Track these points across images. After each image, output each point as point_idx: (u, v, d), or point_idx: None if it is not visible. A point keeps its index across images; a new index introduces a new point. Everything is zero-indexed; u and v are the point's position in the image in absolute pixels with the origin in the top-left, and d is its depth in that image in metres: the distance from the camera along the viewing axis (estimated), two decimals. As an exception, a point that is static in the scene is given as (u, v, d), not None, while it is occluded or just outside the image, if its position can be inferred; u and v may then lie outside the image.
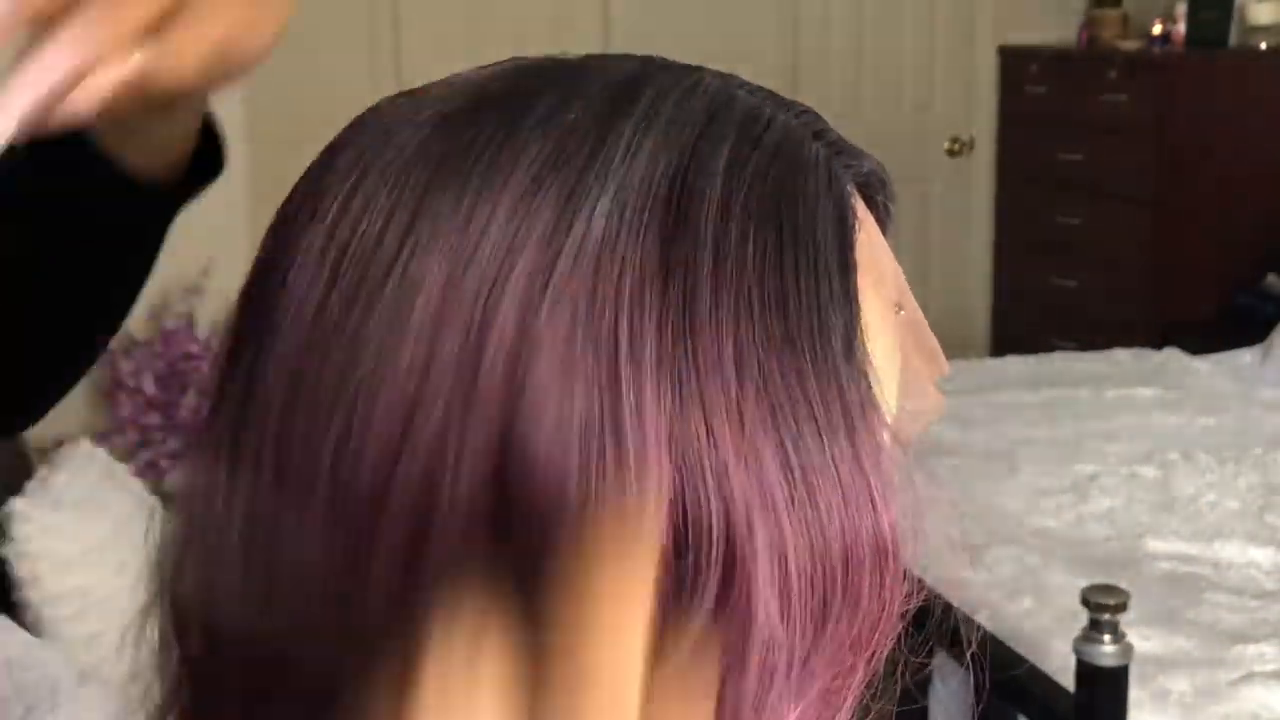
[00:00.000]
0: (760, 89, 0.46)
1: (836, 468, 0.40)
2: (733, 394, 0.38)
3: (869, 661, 0.42)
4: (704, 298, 0.38)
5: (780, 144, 0.43)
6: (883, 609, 0.41)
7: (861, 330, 0.41)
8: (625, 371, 0.38)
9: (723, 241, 0.39)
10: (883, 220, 0.47)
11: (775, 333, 0.39)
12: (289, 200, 0.43)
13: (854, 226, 0.43)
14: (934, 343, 0.49)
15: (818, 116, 0.46)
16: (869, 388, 0.41)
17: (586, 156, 0.40)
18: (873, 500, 0.40)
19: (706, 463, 0.38)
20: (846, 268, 0.41)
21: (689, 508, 0.38)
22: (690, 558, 0.38)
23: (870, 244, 0.44)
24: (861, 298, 0.42)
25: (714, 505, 0.38)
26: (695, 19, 4.18)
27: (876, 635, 0.42)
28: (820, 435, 0.39)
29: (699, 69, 0.46)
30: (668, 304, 0.38)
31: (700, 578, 0.38)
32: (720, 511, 0.38)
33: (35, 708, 1.73)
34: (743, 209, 0.40)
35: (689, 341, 0.38)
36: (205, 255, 3.30)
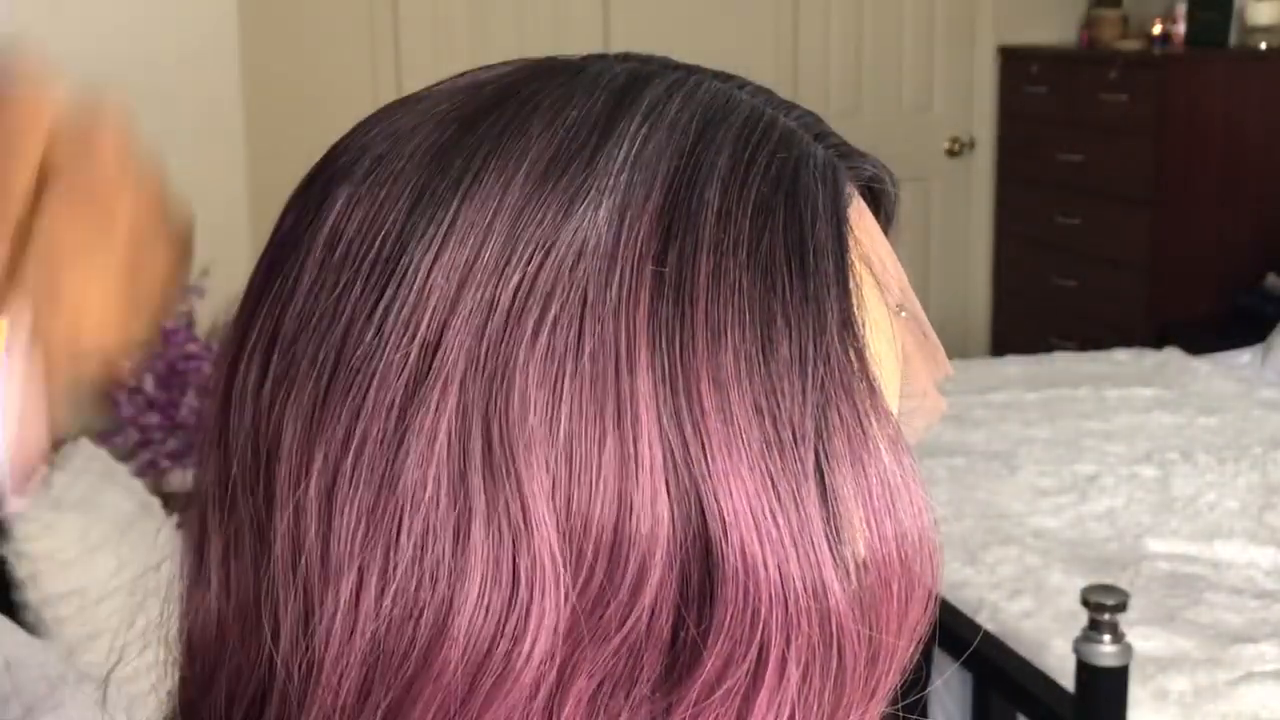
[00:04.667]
0: (761, 90, 0.46)
1: (852, 485, 0.39)
2: (733, 410, 0.38)
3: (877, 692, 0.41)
4: (702, 306, 0.38)
5: (781, 148, 0.42)
6: (906, 631, 0.41)
7: (864, 336, 0.40)
8: (620, 383, 0.37)
9: (722, 248, 0.39)
10: (886, 221, 0.47)
11: (773, 341, 0.38)
12: (290, 203, 0.43)
13: (850, 231, 0.42)
14: (936, 344, 0.48)
15: (818, 119, 0.46)
16: (874, 390, 0.40)
17: (587, 160, 0.40)
18: (891, 514, 0.40)
19: (704, 485, 0.37)
20: (845, 272, 0.41)
21: (683, 530, 0.38)
22: (694, 593, 0.38)
23: (871, 245, 0.44)
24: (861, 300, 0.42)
25: (713, 527, 0.37)
26: (695, 19, 4.18)
27: (896, 657, 0.41)
28: (824, 453, 0.39)
29: (699, 70, 0.45)
30: (665, 313, 0.38)
31: (708, 614, 0.38)
32: (719, 533, 0.37)
33: (35, 708, 1.73)
34: (742, 214, 0.40)
35: (686, 352, 0.38)
36: (205, 255, 3.29)
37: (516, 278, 0.38)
